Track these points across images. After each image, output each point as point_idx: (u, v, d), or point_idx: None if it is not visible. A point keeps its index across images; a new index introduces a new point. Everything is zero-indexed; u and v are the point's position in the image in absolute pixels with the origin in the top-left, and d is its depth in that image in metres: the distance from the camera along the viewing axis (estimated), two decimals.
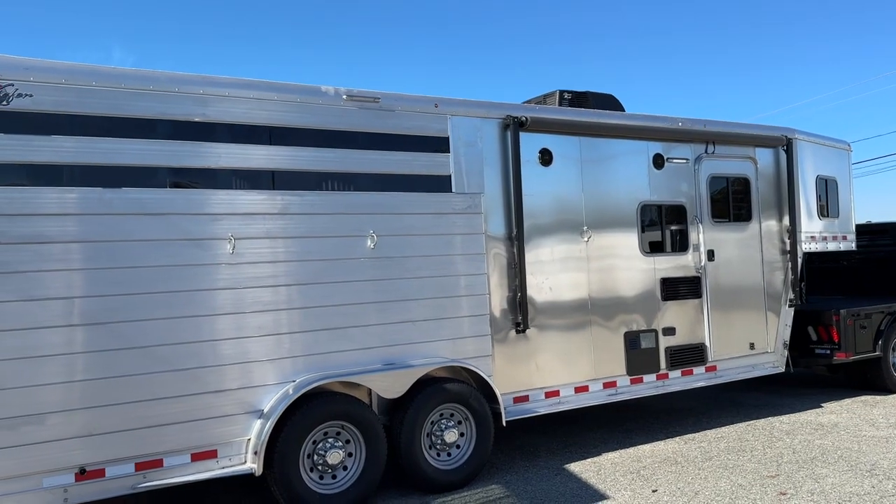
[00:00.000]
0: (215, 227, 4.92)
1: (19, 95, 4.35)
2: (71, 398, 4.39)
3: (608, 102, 7.40)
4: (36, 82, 4.41)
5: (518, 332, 6.22)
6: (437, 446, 5.61)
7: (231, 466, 4.88)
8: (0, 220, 4.26)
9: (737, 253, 7.58)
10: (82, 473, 4.40)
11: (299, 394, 4.97)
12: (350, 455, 5.23)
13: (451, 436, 5.61)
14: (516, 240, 6.21)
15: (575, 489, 5.44)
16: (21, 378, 4.26)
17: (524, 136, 6.29)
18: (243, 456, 4.93)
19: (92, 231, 4.51)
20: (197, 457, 4.78)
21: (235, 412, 4.92)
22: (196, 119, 4.89)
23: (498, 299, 6.14)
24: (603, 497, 5.22)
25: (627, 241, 6.89)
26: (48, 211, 4.40)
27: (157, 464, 4.65)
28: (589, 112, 6.87)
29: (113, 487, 4.51)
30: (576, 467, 6.02)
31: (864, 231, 9.56)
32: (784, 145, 7.91)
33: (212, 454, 4.84)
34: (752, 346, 7.62)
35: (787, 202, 7.92)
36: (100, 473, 4.46)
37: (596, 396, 6.65)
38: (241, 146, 5.07)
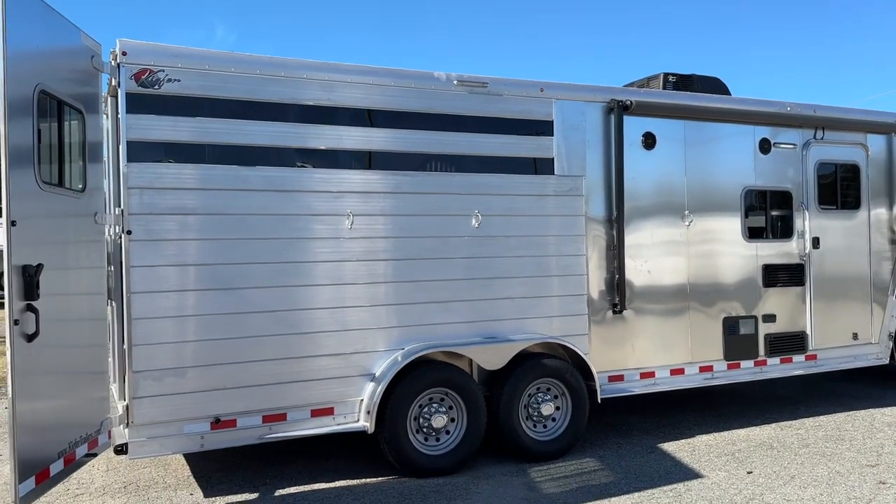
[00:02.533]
0: (336, 203, 5.30)
1: (169, 80, 4.83)
2: (208, 355, 4.89)
3: (714, 85, 7.35)
4: (183, 68, 4.87)
5: (615, 313, 6.37)
6: (534, 418, 5.86)
7: (345, 423, 5.30)
8: (151, 193, 4.76)
9: (843, 241, 7.42)
10: (217, 423, 4.90)
11: (408, 361, 5.32)
12: (453, 420, 5.55)
13: (547, 409, 5.85)
14: (616, 222, 6.34)
15: (669, 466, 5.58)
16: (167, 335, 4.78)
17: (628, 120, 6.38)
18: (356, 415, 5.33)
19: (230, 205, 4.97)
20: (316, 413, 5.22)
21: (350, 374, 5.32)
22: (322, 103, 5.27)
23: (596, 280, 6.30)
24: (697, 475, 5.34)
25: (730, 226, 6.88)
26: (192, 186, 4.88)
27: (281, 417, 5.11)
28: (694, 95, 6.87)
29: (243, 437, 4.99)
30: (669, 447, 6.14)
31: None
32: None
33: (329, 411, 5.26)
34: (855, 336, 7.47)
35: None
36: (232, 423, 4.96)
37: (692, 380, 6.72)
38: (361, 129, 5.42)
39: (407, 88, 5.59)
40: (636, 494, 4.93)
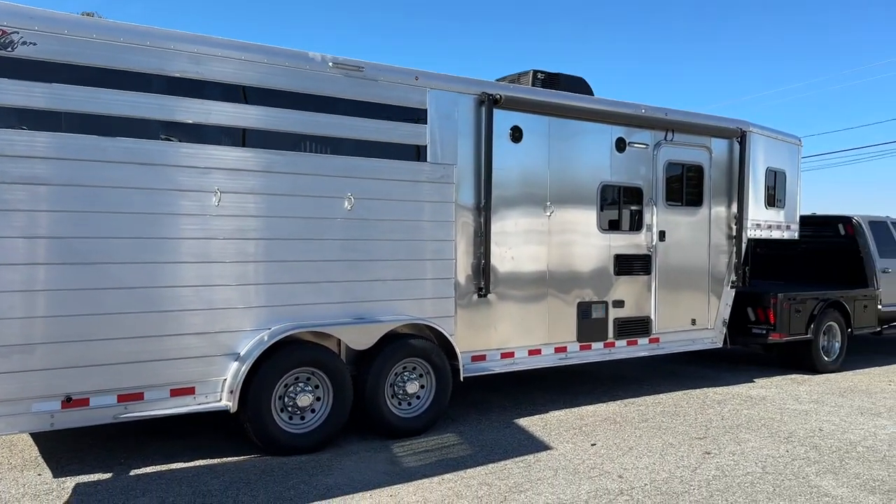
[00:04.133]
0: (203, 179, 5.22)
1: (24, 43, 4.57)
2: (59, 331, 4.70)
3: (578, 85, 7.81)
4: (40, 31, 4.63)
5: (480, 296, 6.67)
6: (399, 396, 6.06)
7: (206, 403, 5.26)
8: (2, 160, 4.50)
9: (686, 235, 8.13)
10: (68, 401, 4.73)
11: (274, 340, 5.35)
12: (318, 399, 5.64)
13: (412, 387, 6.07)
14: (484, 210, 6.63)
15: (522, 440, 5.95)
16: (16, 310, 4.56)
17: (498, 113, 6.67)
18: (219, 394, 5.31)
19: (87, 176, 4.79)
20: (176, 392, 5.15)
21: (213, 353, 5.28)
22: (190, 76, 5.16)
23: (463, 265, 6.57)
24: (547, 447, 5.74)
25: (587, 219, 7.36)
26: (46, 154, 4.66)
27: (137, 397, 5.00)
28: (559, 94, 7.28)
29: (96, 416, 4.85)
30: (524, 422, 6.54)
31: (807, 222, 10.21)
32: (738, 137, 8.45)
33: (190, 391, 5.20)
34: (693, 322, 8.22)
35: (736, 190, 8.48)
36: (84, 402, 4.80)
37: (548, 359, 7.17)
38: (230, 105, 5.35)
39: (281, 67, 5.57)
40: (490, 466, 5.24)
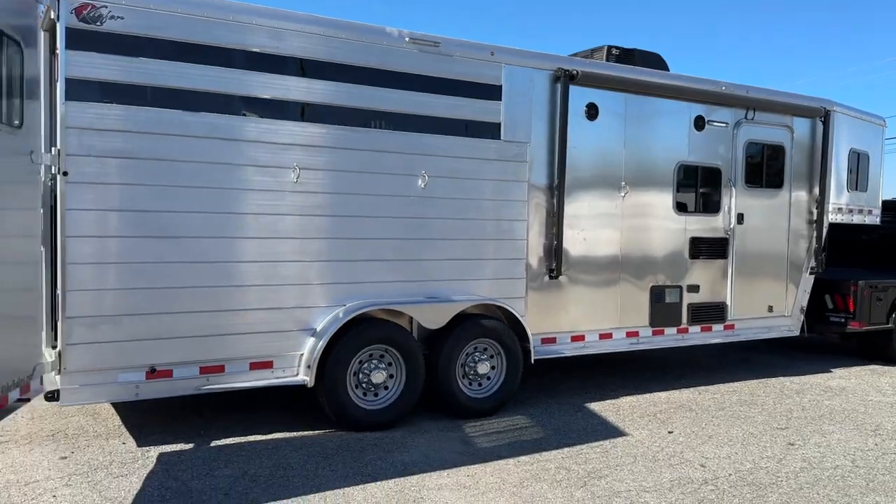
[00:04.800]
0: (282, 156, 5.23)
1: (112, 17, 4.62)
2: (144, 303, 4.78)
3: (654, 61, 7.54)
4: (127, 6, 4.67)
5: (551, 278, 6.55)
6: (470, 376, 6.01)
7: (284, 377, 5.31)
8: (90, 134, 4.57)
9: (765, 218, 7.83)
10: (152, 372, 4.82)
11: (349, 317, 5.36)
12: (391, 377, 5.63)
13: (483, 368, 6.01)
14: (557, 190, 6.49)
15: (595, 425, 5.84)
16: (102, 282, 4.65)
17: (573, 90, 6.49)
18: (296, 369, 5.34)
19: (171, 150, 4.83)
20: (255, 366, 5.20)
21: (290, 328, 5.31)
22: (269, 51, 5.14)
23: (535, 246, 6.45)
24: (622, 433, 5.62)
25: (662, 200, 7.14)
26: (132, 129, 4.71)
27: (219, 369, 5.07)
28: (638, 70, 7.05)
29: (179, 387, 4.94)
30: (595, 406, 6.42)
31: (890, 207, 9.74)
32: (822, 116, 8.06)
33: (268, 364, 5.25)
34: (770, 308, 7.93)
35: (818, 172, 8.11)
36: (167, 373, 4.89)
37: (619, 344, 7.02)
38: (308, 80, 5.33)
39: (358, 42, 5.52)
40: (566, 450, 5.15)
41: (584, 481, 4.54)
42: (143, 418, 5.52)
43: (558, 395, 6.80)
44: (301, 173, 5.28)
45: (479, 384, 6.08)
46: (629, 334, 7.09)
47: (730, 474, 4.75)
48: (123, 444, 4.96)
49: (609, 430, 5.70)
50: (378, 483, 4.37)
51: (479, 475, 4.59)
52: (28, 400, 4.21)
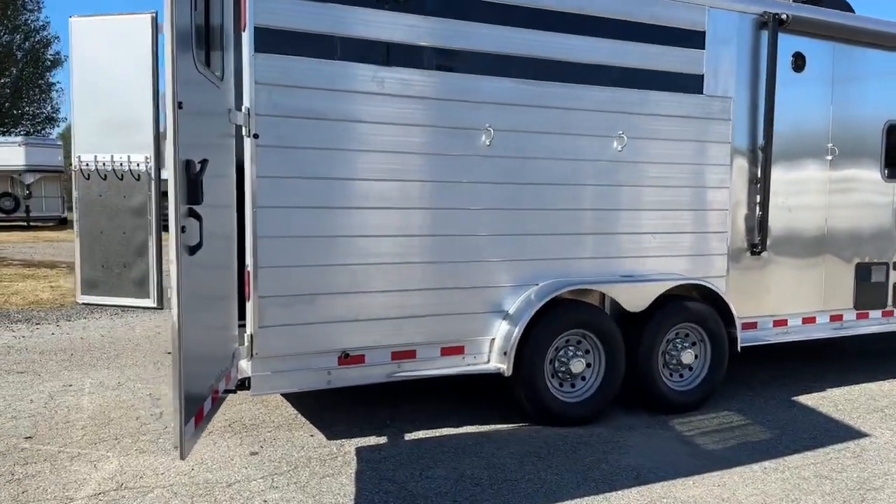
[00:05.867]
0: (473, 115, 4.62)
1: None
2: (338, 281, 4.29)
3: (839, 4, 6.56)
4: None
5: (753, 254, 5.75)
6: (671, 366, 5.30)
7: (476, 364, 4.74)
8: (282, 91, 4.07)
9: None
10: (345, 358, 4.33)
11: (549, 298, 4.73)
12: (589, 366, 4.99)
13: (687, 356, 5.29)
14: (763, 153, 5.66)
15: (821, 422, 5.05)
16: (296, 257, 4.16)
17: (781, 37, 5.63)
18: (486, 355, 4.77)
19: (365, 111, 4.30)
20: (446, 351, 4.66)
21: (480, 310, 4.74)
22: None
23: (737, 217, 5.66)
24: (861, 433, 4.81)
25: (869, 164, 6.21)
26: (324, 86, 4.18)
27: (410, 354, 4.55)
28: (850, 15, 6.12)
29: (371, 374, 4.44)
30: (806, 400, 5.62)
31: None
32: None
33: (459, 350, 4.70)
34: None
35: None
36: (360, 359, 4.39)
37: (822, 329, 6.16)
38: (501, 28, 4.68)
39: None
40: (809, 454, 4.40)
41: (861, 495, 3.79)
42: (318, 406, 5.07)
43: (754, 386, 6.01)
44: (493, 135, 4.66)
45: (681, 375, 5.37)
46: (833, 318, 6.22)
47: None
48: (311, 436, 4.50)
49: (844, 430, 4.90)
50: (620, 493, 3.74)
51: (730, 485, 3.90)
52: (233, 391, 3.79)
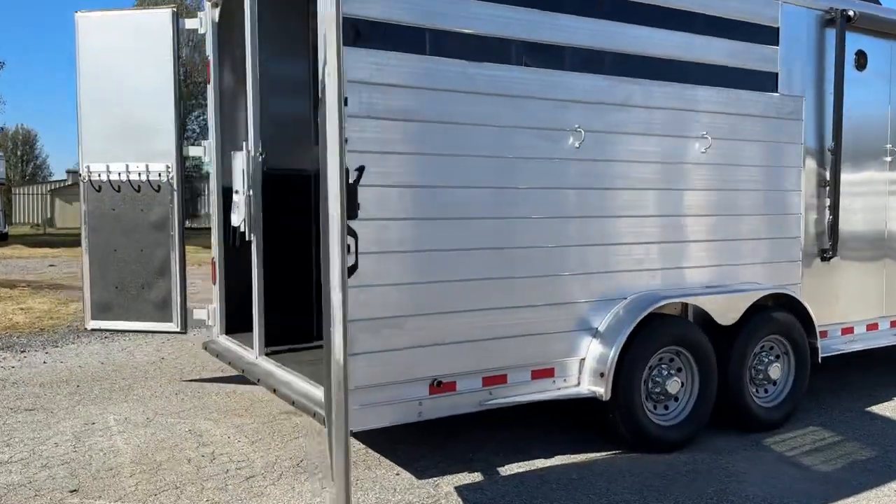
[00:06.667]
0: (561, 115, 4.23)
1: None
2: (427, 301, 3.83)
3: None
4: None
5: (823, 259, 5.50)
6: (756, 381, 4.99)
7: (567, 388, 4.32)
8: (371, 90, 3.59)
9: None
10: (437, 386, 3.87)
11: (647, 312, 4.36)
12: (682, 385, 4.62)
13: (774, 371, 4.98)
14: (833, 154, 5.43)
15: None
16: (384, 274, 3.68)
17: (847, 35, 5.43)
18: (575, 377, 4.36)
19: (455, 111, 3.86)
20: (536, 374, 4.24)
21: (569, 328, 4.34)
22: None
23: (809, 222, 5.41)
24: None
25: None
26: (414, 83, 3.73)
27: (501, 379, 4.11)
28: None
29: (463, 403, 3.98)
30: (883, 410, 5.39)
31: None
32: None
33: (549, 373, 4.28)
34: None
35: None
36: (451, 387, 3.94)
37: (884, 336, 5.96)
38: (584, 20, 4.32)
39: None
40: None
41: None
42: (385, 440, 4.55)
43: (819, 398, 5.73)
44: (583, 136, 4.27)
45: (765, 391, 5.06)
46: (893, 324, 6.03)
47: None
48: (397, 475, 4.01)
49: None
50: None
51: None
52: None
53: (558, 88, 4.20)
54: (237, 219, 4.66)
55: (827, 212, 5.48)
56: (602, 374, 4.25)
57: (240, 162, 4.69)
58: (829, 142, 5.44)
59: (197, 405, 5.38)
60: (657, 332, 4.46)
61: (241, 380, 5.98)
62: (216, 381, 6.10)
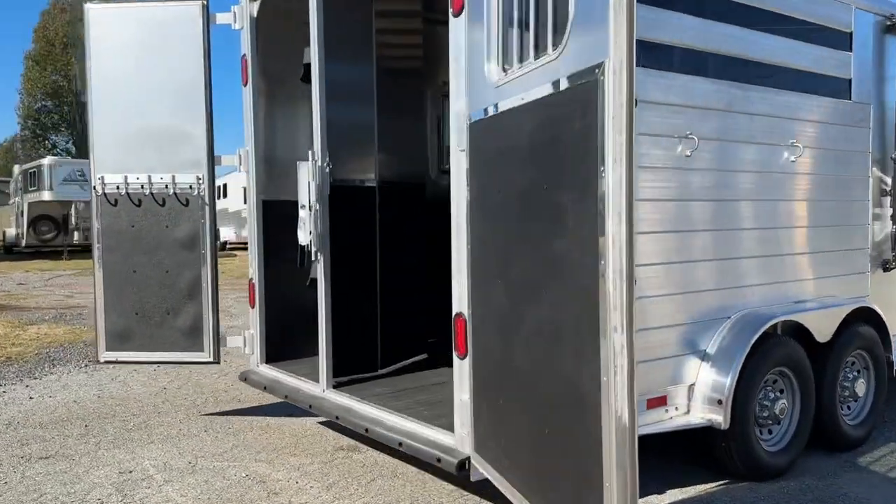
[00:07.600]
0: (673, 120, 3.93)
1: None
2: None
3: None
4: None
5: (885, 270, 5.40)
6: (841, 398, 4.81)
7: (678, 417, 4.01)
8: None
9: None
10: None
11: (760, 332, 4.09)
12: (786, 407, 4.38)
13: (860, 386, 4.82)
14: (895, 162, 5.34)
15: None
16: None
17: None
18: (685, 405, 4.05)
19: None
20: (652, 403, 3.90)
21: (678, 351, 4.02)
22: None
23: (876, 232, 5.30)
24: None
25: None
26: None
27: None
28: None
29: None
30: None
31: None
32: None
33: (662, 401, 3.96)
34: None
35: None
36: None
37: None
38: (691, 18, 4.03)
39: None
40: None
41: None
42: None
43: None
44: (696, 144, 3.98)
45: (849, 407, 4.89)
46: None
47: None
48: None
49: None
50: None
51: None
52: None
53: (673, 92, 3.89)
54: (304, 237, 4.14)
55: (890, 222, 5.38)
56: (720, 402, 3.95)
57: (305, 173, 4.17)
58: (892, 150, 5.35)
59: (237, 444, 4.80)
60: (769, 352, 4.21)
61: (264, 412, 5.49)
62: (238, 413, 5.52)
